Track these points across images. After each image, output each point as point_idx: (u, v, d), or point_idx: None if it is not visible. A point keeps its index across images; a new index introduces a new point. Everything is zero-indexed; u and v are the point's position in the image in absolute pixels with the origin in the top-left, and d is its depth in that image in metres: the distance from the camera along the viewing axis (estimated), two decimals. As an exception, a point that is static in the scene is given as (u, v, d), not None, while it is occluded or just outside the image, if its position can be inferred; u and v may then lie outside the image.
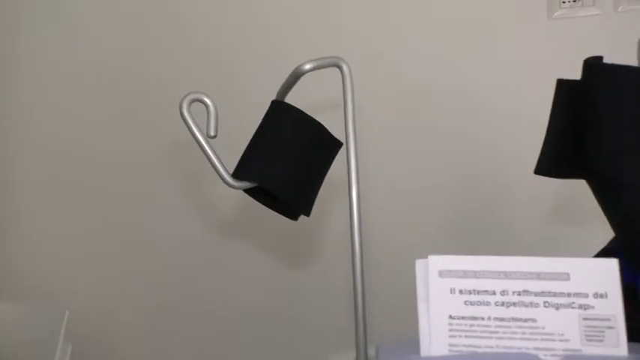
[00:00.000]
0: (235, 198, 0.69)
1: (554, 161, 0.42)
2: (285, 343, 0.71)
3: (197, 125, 0.41)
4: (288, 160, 0.43)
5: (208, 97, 0.42)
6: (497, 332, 0.29)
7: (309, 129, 0.44)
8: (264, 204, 0.45)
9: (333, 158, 0.45)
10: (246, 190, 0.44)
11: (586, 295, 0.29)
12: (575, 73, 0.42)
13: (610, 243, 0.44)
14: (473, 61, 0.66)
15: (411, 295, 0.32)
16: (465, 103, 0.66)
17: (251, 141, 0.44)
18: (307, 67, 0.42)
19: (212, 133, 0.42)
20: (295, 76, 0.43)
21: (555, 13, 0.69)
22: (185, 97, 0.41)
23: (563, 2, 0.70)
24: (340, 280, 0.68)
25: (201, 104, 0.42)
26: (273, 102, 0.45)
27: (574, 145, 0.41)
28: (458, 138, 0.66)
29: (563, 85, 0.41)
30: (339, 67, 0.42)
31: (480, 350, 0.29)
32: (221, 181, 0.42)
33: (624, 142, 0.39)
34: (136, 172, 0.76)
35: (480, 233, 0.65)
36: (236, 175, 0.43)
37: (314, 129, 0.44)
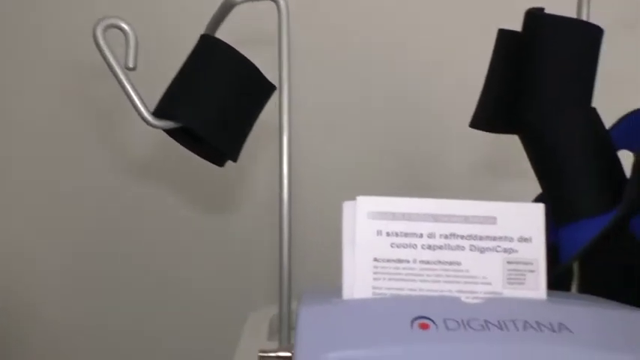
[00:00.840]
0: (151, 139, 0.64)
1: (490, 115, 0.42)
2: (205, 296, 0.69)
3: (113, 54, 0.37)
4: (216, 101, 0.40)
5: (127, 23, 0.38)
6: (421, 275, 0.29)
7: (240, 68, 0.41)
8: (186, 146, 0.41)
9: (264, 102, 0.43)
10: (167, 131, 0.41)
11: (511, 239, 0.29)
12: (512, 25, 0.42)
13: (536, 199, 0.45)
14: (412, 13, 0.65)
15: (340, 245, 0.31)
16: (405, 54, 0.65)
17: (175, 77, 0.41)
18: (239, -2, 0.39)
19: (131, 65, 0.38)
20: (226, 8, 0.40)
21: None
22: (100, 21, 0.37)
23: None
24: (265, 230, 0.66)
25: (118, 31, 0.38)
26: (202, 36, 0.41)
27: (510, 99, 0.41)
28: (395, 87, 0.65)
29: (503, 36, 0.41)
30: (276, 2, 0.39)
31: (403, 293, 0.28)
32: (138, 120, 0.38)
33: (558, 96, 0.39)
34: (39, 105, 0.68)
35: (412, 182, 0.66)
36: (158, 113, 0.40)
37: (245, 69, 0.41)
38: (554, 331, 0.25)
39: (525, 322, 0.26)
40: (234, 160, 0.42)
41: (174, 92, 0.41)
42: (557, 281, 0.38)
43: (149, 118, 0.39)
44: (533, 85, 0.39)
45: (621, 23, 0.59)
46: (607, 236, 0.36)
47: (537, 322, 0.26)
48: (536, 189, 0.41)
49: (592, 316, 0.26)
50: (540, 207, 0.29)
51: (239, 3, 0.39)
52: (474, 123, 0.42)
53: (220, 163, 0.43)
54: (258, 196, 0.69)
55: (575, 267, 0.39)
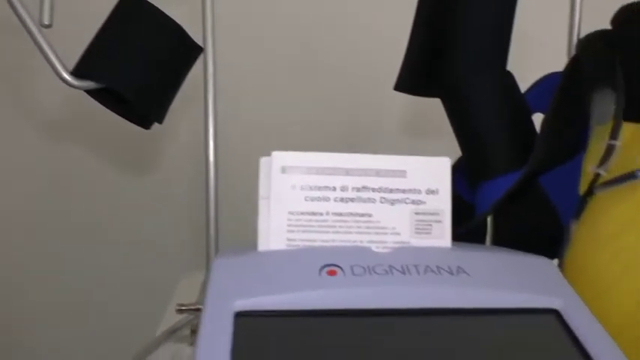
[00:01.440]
0: (66, 97, 0.63)
1: (413, 78, 0.43)
2: (125, 263, 0.68)
3: (27, 10, 0.36)
4: (140, 61, 0.39)
5: (41, -24, 0.36)
6: (334, 227, 0.30)
7: (164, 28, 0.40)
8: (109, 107, 0.41)
9: (191, 63, 0.42)
10: (88, 92, 0.39)
11: (419, 192, 0.30)
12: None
13: (458, 160, 0.47)
14: None
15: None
16: (334, 19, 0.65)
17: (96, 36, 0.40)
18: (160, -46, 0.38)
19: (46, 21, 0.36)
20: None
21: None
22: (10, -27, 0.35)
23: None
24: (187, 193, 0.66)
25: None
26: (123, -6, 0.40)
27: (430, 62, 0.42)
28: (326, 47, 0.66)
29: (424, -2, 0.42)
30: (198, -40, 0.39)
31: (316, 244, 0.29)
32: (54, 78, 0.37)
33: (475, 59, 0.40)
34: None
35: (342, 142, 0.66)
36: (77, 73, 0.39)
37: (169, 28, 0.40)
38: (452, 274, 0.27)
39: (427, 266, 0.27)
40: (160, 122, 0.41)
41: (95, 51, 0.40)
42: (471, 235, 0.40)
43: (68, 77, 0.38)
44: (451, 46, 0.40)
45: None
46: (517, 192, 0.39)
47: (438, 267, 0.27)
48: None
49: (489, 261, 0.28)
50: (446, 161, 0.30)
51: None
52: (398, 86, 0.43)
53: (146, 125, 0.42)
54: (182, 156, 0.68)
55: (490, 222, 0.41)
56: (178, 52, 0.41)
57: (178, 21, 0.40)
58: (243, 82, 0.65)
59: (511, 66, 0.42)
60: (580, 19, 0.42)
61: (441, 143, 0.61)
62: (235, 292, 0.25)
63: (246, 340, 0.23)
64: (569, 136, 0.38)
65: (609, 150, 0.32)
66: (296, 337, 0.24)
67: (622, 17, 0.36)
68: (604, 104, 0.34)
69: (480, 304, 0.26)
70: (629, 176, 0.29)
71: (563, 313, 0.26)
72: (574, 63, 0.39)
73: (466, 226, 0.40)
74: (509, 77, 0.42)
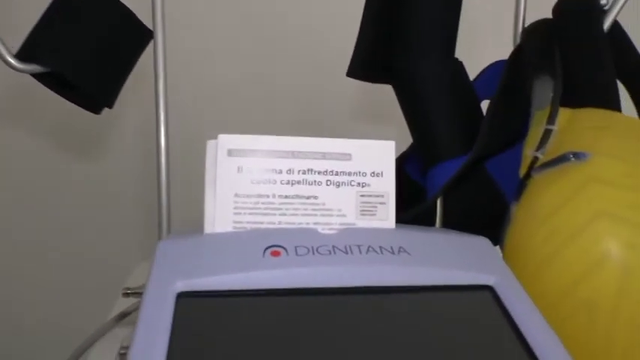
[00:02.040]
0: (11, 80, 0.61)
1: (364, 64, 0.44)
2: (78, 251, 0.67)
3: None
4: (88, 44, 0.39)
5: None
6: (280, 209, 0.30)
7: (114, 12, 0.39)
8: (57, 91, 0.40)
9: (141, 47, 0.42)
10: (35, 75, 0.39)
11: (364, 174, 0.31)
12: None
13: (410, 146, 0.48)
14: None
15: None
16: (288, 4, 0.65)
17: (42, 18, 0.39)
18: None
19: (-14, 2, 0.35)
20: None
21: None
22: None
23: None
24: (140, 178, 0.66)
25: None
26: (70, -24, 0.39)
27: (382, 49, 0.43)
28: (277, 36, 0.66)
29: (374, -15, 0.42)
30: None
31: (262, 226, 0.30)
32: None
33: (424, 47, 0.41)
34: None
35: (293, 124, 0.67)
36: (22, 56, 0.38)
37: (118, 12, 0.40)
38: (393, 253, 0.28)
39: (369, 246, 0.28)
40: (110, 106, 0.41)
41: (40, 34, 0.39)
42: (422, 218, 0.41)
43: (12, 61, 0.37)
44: (401, 35, 0.41)
45: None
46: (465, 176, 0.40)
47: (380, 247, 0.28)
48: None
49: (430, 241, 0.29)
50: (391, 144, 0.31)
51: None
52: (351, 72, 0.44)
53: (96, 110, 0.42)
54: (130, 141, 0.67)
55: (439, 205, 0.43)
56: (128, 35, 0.41)
57: (129, 5, 0.40)
58: (193, 67, 0.65)
59: (461, 55, 0.43)
60: (525, 9, 0.43)
61: (392, 128, 0.63)
62: (178, 273, 0.25)
63: (187, 320, 0.24)
64: (513, 122, 0.39)
65: (546, 134, 0.33)
66: (236, 317, 0.24)
67: (560, 7, 0.38)
68: (543, 91, 0.36)
69: (419, 282, 0.26)
70: (562, 159, 0.30)
71: (496, 289, 0.27)
72: (518, 51, 0.41)
73: (417, 209, 0.41)
74: (458, 65, 0.43)
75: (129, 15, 0.40)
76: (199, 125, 0.63)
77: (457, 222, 0.42)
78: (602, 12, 0.39)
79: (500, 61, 0.44)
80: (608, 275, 0.27)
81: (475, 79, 0.45)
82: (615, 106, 0.33)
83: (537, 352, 0.23)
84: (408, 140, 0.45)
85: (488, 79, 0.44)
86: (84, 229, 0.67)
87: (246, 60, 0.66)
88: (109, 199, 0.67)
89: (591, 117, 0.32)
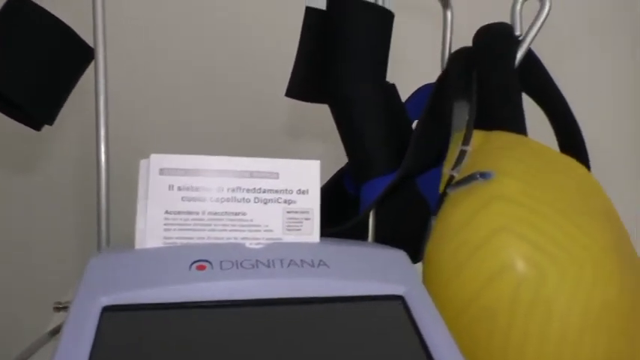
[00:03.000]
0: None
1: (302, 86, 0.46)
2: (16, 267, 0.67)
3: None
4: (28, 62, 0.39)
5: None
6: (210, 225, 0.32)
7: (53, 29, 0.40)
8: (-4, 108, 0.40)
9: (83, 65, 0.42)
10: None
11: (291, 192, 0.33)
12: None
13: (347, 164, 0.51)
14: None
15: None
16: (227, 26, 0.68)
17: (-20, 36, 0.39)
18: (47, -43, 0.38)
19: None
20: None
21: None
22: None
23: None
24: (79, 194, 0.66)
25: None
26: (9, -4, 0.40)
27: (318, 72, 0.45)
28: (215, 56, 0.68)
29: (310, 13, 0.45)
30: (87, -36, 0.39)
31: (192, 241, 0.31)
32: None
33: (357, 71, 0.44)
34: None
35: (231, 142, 0.69)
36: (-41, 72, 0.38)
37: (59, 30, 0.40)
38: (313, 266, 0.30)
39: (291, 260, 0.30)
40: (50, 123, 0.41)
41: (-22, 51, 0.39)
42: (355, 231, 0.44)
43: (-52, 77, 0.37)
44: (336, 60, 0.43)
45: (419, 9, 0.68)
46: (396, 192, 0.42)
47: (301, 260, 0.30)
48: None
49: (349, 254, 0.31)
50: (316, 163, 0.33)
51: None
52: (289, 93, 0.46)
53: (36, 126, 0.42)
54: (70, 155, 0.68)
55: (371, 219, 0.45)
56: (68, 53, 0.41)
57: (69, 22, 0.41)
58: (134, 85, 0.66)
59: (395, 78, 0.46)
60: (451, 37, 0.46)
61: (324, 146, 0.66)
62: (104, 287, 0.27)
63: (110, 333, 0.25)
64: (437, 142, 0.42)
65: (461, 154, 0.36)
66: (159, 329, 0.25)
67: (479, 37, 0.41)
68: (461, 114, 0.39)
69: (334, 293, 0.29)
70: (471, 178, 0.33)
71: (406, 298, 0.29)
72: (443, 76, 0.44)
73: (349, 223, 0.43)
74: (390, 88, 0.46)
75: (69, 33, 0.41)
76: (140, 140, 0.65)
77: (389, 235, 0.44)
78: (517, 42, 0.42)
79: (430, 83, 0.47)
80: (505, 285, 0.29)
81: (407, 101, 0.48)
82: (521, 129, 0.36)
83: (436, 357, 0.26)
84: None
85: (419, 100, 0.47)
86: (26, 242, 0.67)
87: (187, 78, 0.68)
88: (51, 211, 0.67)
89: (500, 139, 0.35)
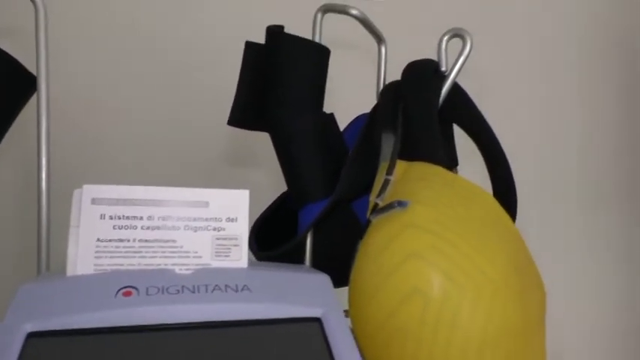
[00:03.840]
0: None
1: (243, 115, 0.48)
2: None
3: None
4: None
5: None
6: (140, 252, 0.33)
7: (2, 62, 0.42)
8: None
9: (26, 94, 0.44)
10: None
11: (220, 220, 0.35)
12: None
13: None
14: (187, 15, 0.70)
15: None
16: (168, 50, 0.70)
17: None
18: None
19: None
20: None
21: None
22: None
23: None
24: (19, 220, 0.67)
25: None
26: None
27: (258, 102, 0.47)
28: (158, 86, 0.70)
29: (249, 47, 0.47)
30: (34, 3, 0.40)
31: (123, 268, 0.33)
32: None
33: (294, 102, 0.46)
34: None
35: (171, 172, 0.71)
36: None
37: (5, 61, 0.42)
38: (236, 291, 0.31)
39: (216, 285, 0.32)
40: (-8, 150, 0.43)
41: None
42: (292, 255, 0.46)
43: None
44: (275, 92, 0.46)
45: (347, 45, 0.72)
46: (329, 216, 0.45)
47: (226, 285, 0.32)
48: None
49: (273, 278, 0.33)
50: (245, 193, 0.35)
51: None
52: (231, 121, 0.48)
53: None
54: (10, 183, 0.67)
55: (308, 243, 0.47)
56: (10, 82, 0.43)
57: (12, 52, 0.42)
58: (75, 113, 0.68)
59: (333, 108, 0.49)
60: (385, 70, 0.50)
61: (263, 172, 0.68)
62: (30, 314, 0.28)
63: (34, 358, 0.26)
64: (368, 171, 0.45)
65: (385, 183, 0.39)
66: (82, 354, 0.27)
67: (405, 71, 0.44)
68: (387, 144, 0.42)
69: (254, 316, 0.30)
70: (390, 206, 0.35)
71: (323, 321, 0.31)
72: (375, 108, 0.47)
73: (286, 247, 0.45)
74: (328, 117, 0.49)
75: (11, 62, 0.42)
76: (80, 169, 0.66)
77: (328, 258, 0.46)
78: (442, 77, 0.45)
79: (366, 113, 0.50)
80: (414, 307, 0.32)
81: (345, 130, 0.50)
82: (438, 160, 0.39)
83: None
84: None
85: (355, 129, 0.50)
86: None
87: (127, 109, 0.70)
88: None
89: (419, 169, 0.38)
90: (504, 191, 0.44)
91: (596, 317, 0.91)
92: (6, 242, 0.68)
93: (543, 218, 0.87)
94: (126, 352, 0.27)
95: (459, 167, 0.51)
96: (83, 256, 0.32)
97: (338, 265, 0.43)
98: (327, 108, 0.50)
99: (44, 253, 0.41)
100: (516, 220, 0.48)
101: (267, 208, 0.52)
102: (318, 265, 0.48)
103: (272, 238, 0.52)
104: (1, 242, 0.68)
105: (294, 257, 0.47)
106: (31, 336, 0.27)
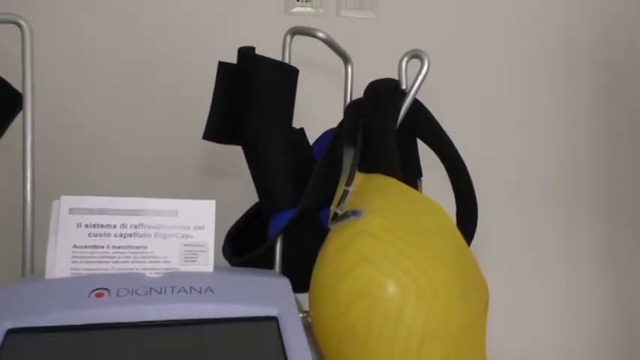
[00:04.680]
0: None
1: (218, 129, 0.51)
2: None
3: None
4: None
5: None
6: (114, 257, 0.36)
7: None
8: None
9: (13, 110, 0.47)
10: None
11: (188, 227, 0.38)
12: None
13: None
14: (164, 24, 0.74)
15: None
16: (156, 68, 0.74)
17: None
18: (-20, 19, 0.43)
19: None
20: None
21: (292, 9, 0.81)
22: None
23: (297, 0, 0.82)
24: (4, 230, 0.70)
25: None
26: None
27: (233, 117, 0.50)
28: (144, 103, 0.74)
29: (222, 67, 0.50)
30: (19, 25, 0.44)
31: (97, 272, 0.36)
32: None
33: (264, 118, 0.50)
34: None
35: (147, 178, 0.74)
36: None
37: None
38: (200, 292, 0.34)
39: (182, 287, 0.35)
40: (-19, 163, 0.46)
41: None
42: (263, 260, 0.49)
43: None
44: (247, 109, 0.49)
45: (316, 65, 0.76)
46: (296, 224, 0.48)
47: (191, 287, 0.35)
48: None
49: (236, 281, 0.36)
50: (212, 203, 0.38)
51: (-21, 23, 0.43)
52: (206, 136, 0.51)
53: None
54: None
55: (278, 248, 0.50)
56: (0, 100, 0.46)
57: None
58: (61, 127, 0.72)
59: (304, 123, 0.52)
60: (352, 88, 0.53)
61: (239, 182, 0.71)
62: (10, 312, 0.31)
63: (12, 352, 0.29)
64: (333, 182, 0.48)
65: (344, 194, 0.42)
66: (54, 348, 0.30)
67: (367, 89, 0.48)
68: (348, 158, 0.45)
69: (216, 315, 0.33)
70: (345, 215, 0.38)
71: (279, 319, 0.34)
72: (340, 124, 0.50)
73: (255, 253, 0.48)
74: (297, 132, 0.52)
75: (1, 82, 0.45)
76: (62, 180, 0.69)
77: (297, 263, 0.49)
78: (402, 94, 0.49)
79: (333, 128, 0.53)
80: (363, 306, 0.35)
81: (314, 144, 0.54)
82: (392, 172, 0.42)
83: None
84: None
85: (324, 142, 0.53)
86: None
87: (106, 127, 0.74)
88: None
89: (374, 181, 0.41)
90: (465, 198, 0.47)
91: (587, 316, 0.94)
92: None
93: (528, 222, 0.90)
94: (97, 347, 0.30)
95: (423, 178, 0.55)
96: (60, 261, 0.35)
97: (306, 270, 0.46)
98: (298, 123, 0.53)
99: (28, 257, 0.44)
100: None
101: (241, 218, 0.55)
102: (288, 270, 0.51)
103: (246, 245, 0.55)
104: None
105: (264, 263, 0.50)
106: (10, 332, 0.30)
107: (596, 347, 0.91)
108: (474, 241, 0.47)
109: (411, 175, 0.53)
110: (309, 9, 0.84)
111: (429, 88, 0.85)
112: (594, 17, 0.92)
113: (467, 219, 0.48)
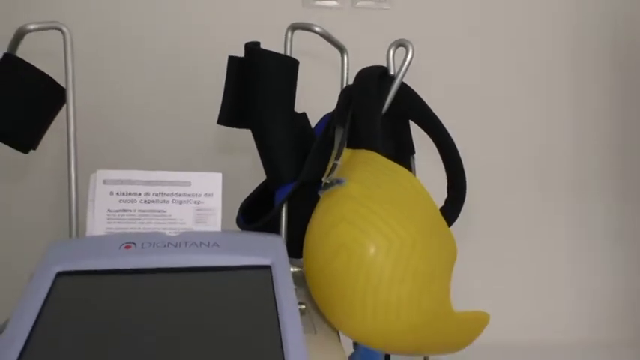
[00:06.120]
0: None
1: (230, 115, 0.59)
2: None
3: None
4: (15, 102, 0.53)
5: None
6: (140, 219, 0.44)
7: (32, 75, 0.54)
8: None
9: (58, 102, 0.56)
10: None
11: (199, 195, 0.45)
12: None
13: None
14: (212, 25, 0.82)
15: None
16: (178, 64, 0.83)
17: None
18: (31, 27, 0.52)
19: None
20: (19, 35, 0.52)
21: (314, 2, 0.88)
22: None
23: (314, -6, 0.89)
24: (55, 196, 0.81)
25: None
26: (4, 55, 0.53)
27: (241, 105, 0.58)
28: (169, 95, 0.83)
29: (232, 60, 0.58)
30: (61, 30, 0.52)
31: (127, 231, 0.44)
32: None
33: (271, 102, 0.56)
34: None
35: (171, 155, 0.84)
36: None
37: (36, 75, 0.54)
38: (208, 246, 0.42)
39: (193, 242, 0.42)
40: (34, 148, 0.55)
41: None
42: (270, 228, 0.56)
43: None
44: (254, 97, 0.56)
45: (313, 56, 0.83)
46: (297, 195, 0.54)
47: (201, 242, 0.42)
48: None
49: (238, 239, 0.44)
50: (219, 175, 0.46)
51: (30, 31, 0.51)
52: (220, 121, 0.58)
53: (24, 150, 0.55)
54: (49, 171, 0.83)
55: (283, 216, 0.57)
56: (45, 93, 0.55)
57: (44, 68, 0.54)
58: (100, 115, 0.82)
59: (307, 108, 0.59)
60: (348, 75, 0.59)
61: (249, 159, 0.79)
62: (59, 260, 0.39)
63: (61, 290, 0.37)
64: (328, 158, 0.54)
65: (333, 167, 0.48)
66: (95, 287, 0.38)
67: (357, 75, 0.54)
68: (338, 136, 0.51)
69: (220, 263, 0.41)
70: (331, 183, 0.45)
71: (272, 267, 0.41)
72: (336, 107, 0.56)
73: (262, 220, 0.55)
74: (300, 117, 0.59)
75: (44, 77, 0.54)
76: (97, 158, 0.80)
77: (298, 230, 0.56)
78: (390, 79, 0.54)
79: (331, 112, 0.60)
80: (342, 259, 0.41)
81: (315, 126, 0.60)
82: (375, 147, 0.48)
83: (280, 311, 0.37)
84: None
85: (323, 125, 0.60)
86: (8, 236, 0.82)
87: (138, 113, 0.84)
88: (31, 211, 0.81)
89: (360, 156, 0.47)
90: (454, 173, 0.53)
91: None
92: (44, 214, 0.83)
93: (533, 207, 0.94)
94: (126, 287, 0.38)
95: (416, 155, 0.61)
96: (98, 222, 0.43)
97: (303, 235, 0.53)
98: (304, 108, 0.60)
99: (74, 223, 0.52)
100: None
101: (252, 193, 0.63)
102: (291, 235, 0.58)
103: (257, 218, 0.62)
104: (44, 218, 0.83)
105: (271, 229, 0.57)
106: (60, 275, 0.38)
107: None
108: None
109: (406, 153, 0.59)
110: (326, 2, 0.91)
111: (443, 76, 0.90)
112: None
113: (456, 189, 0.53)
